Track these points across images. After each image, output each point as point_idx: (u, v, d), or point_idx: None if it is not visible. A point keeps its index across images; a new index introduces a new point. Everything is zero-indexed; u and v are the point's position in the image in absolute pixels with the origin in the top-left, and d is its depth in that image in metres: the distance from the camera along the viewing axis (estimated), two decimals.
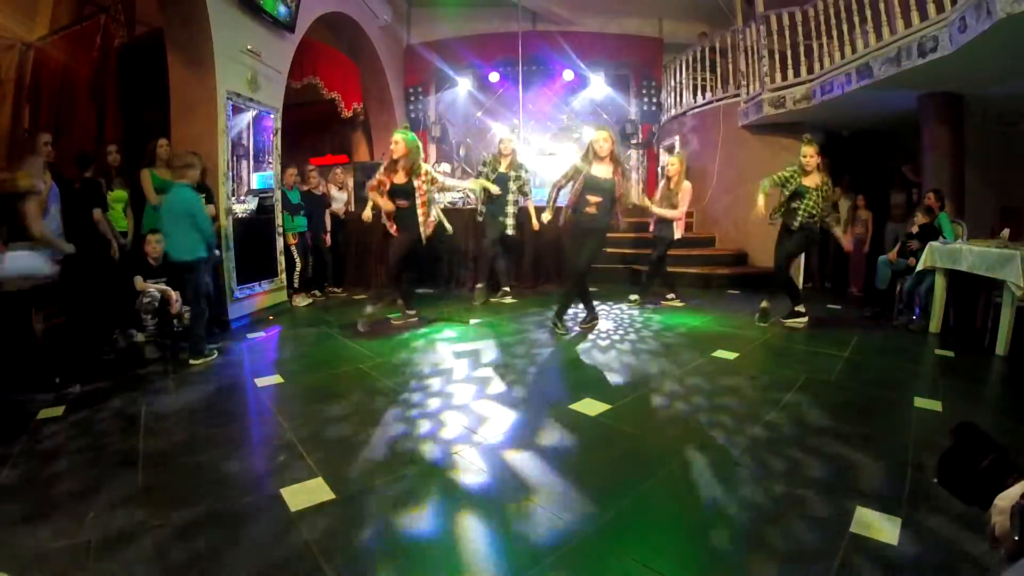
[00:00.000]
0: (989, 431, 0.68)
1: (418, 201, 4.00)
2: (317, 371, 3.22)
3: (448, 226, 4.78)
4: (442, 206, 6.57)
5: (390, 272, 4.14)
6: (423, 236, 4.05)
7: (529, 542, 1.55)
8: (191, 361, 3.34)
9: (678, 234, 4.98)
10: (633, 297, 5.13)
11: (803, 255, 4.61)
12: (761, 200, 4.11)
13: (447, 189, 4.04)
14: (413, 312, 4.36)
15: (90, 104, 4.68)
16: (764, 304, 4.30)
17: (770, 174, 4.19)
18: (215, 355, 3.47)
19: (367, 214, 4.25)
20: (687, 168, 5.04)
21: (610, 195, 3.84)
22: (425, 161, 4.28)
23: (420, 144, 4.14)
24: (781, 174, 4.13)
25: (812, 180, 4.06)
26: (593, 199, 3.83)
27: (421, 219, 4.02)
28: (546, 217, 4.20)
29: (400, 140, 3.96)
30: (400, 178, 4.02)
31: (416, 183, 3.99)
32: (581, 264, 3.97)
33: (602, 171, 3.86)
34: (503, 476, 1.92)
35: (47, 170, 3.50)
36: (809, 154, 4.03)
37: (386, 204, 4.02)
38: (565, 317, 4.12)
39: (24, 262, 2.79)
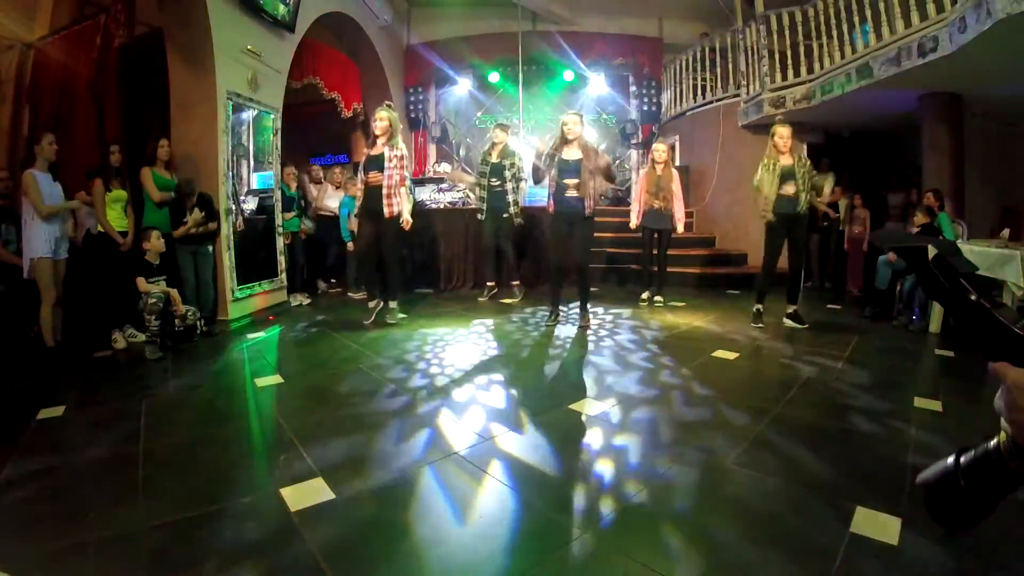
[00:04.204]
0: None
1: (385, 173, 4.02)
2: (317, 371, 3.22)
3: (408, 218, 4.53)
4: (442, 206, 6.58)
5: (387, 266, 4.23)
6: (384, 217, 4.01)
7: (529, 542, 1.55)
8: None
9: (680, 228, 4.98)
10: (645, 295, 5.13)
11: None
12: (764, 195, 4.07)
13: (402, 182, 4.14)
14: (375, 303, 4.31)
15: (90, 104, 4.67)
16: (791, 310, 4.26)
17: (756, 177, 4.13)
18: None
19: (352, 224, 4.30)
20: (686, 167, 5.05)
21: (586, 176, 3.95)
22: (424, 163, 4.33)
23: (400, 124, 4.23)
24: (763, 172, 4.08)
25: (788, 160, 4.06)
26: (570, 182, 3.95)
27: (386, 199, 4.01)
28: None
29: (384, 116, 4.08)
30: (376, 149, 4.10)
31: (388, 153, 4.04)
32: (585, 260, 4.15)
33: (572, 154, 3.97)
34: (502, 476, 1.92)
35: (50, 171, 3.52)
36: (785, 135, 4.03)
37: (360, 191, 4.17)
38: (589, 307, 4.29)
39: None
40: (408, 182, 4.19)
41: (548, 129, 10.94)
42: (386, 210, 4.02)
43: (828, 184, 6.34)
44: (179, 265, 3.99)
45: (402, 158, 4.08)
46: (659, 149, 5.01)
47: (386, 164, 4.03)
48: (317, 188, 6.14)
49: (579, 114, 4.06)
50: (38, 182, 3.41)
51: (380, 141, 4.10)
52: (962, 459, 0.60)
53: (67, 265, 3.66)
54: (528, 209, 5.77)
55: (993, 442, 0.60)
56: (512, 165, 5.13)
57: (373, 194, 4.08)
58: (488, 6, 8.55)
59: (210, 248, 4.24)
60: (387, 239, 4.12)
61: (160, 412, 2.56)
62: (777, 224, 4.10)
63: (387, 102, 4.39)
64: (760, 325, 4.17)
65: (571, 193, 3.94)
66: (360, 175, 4.20)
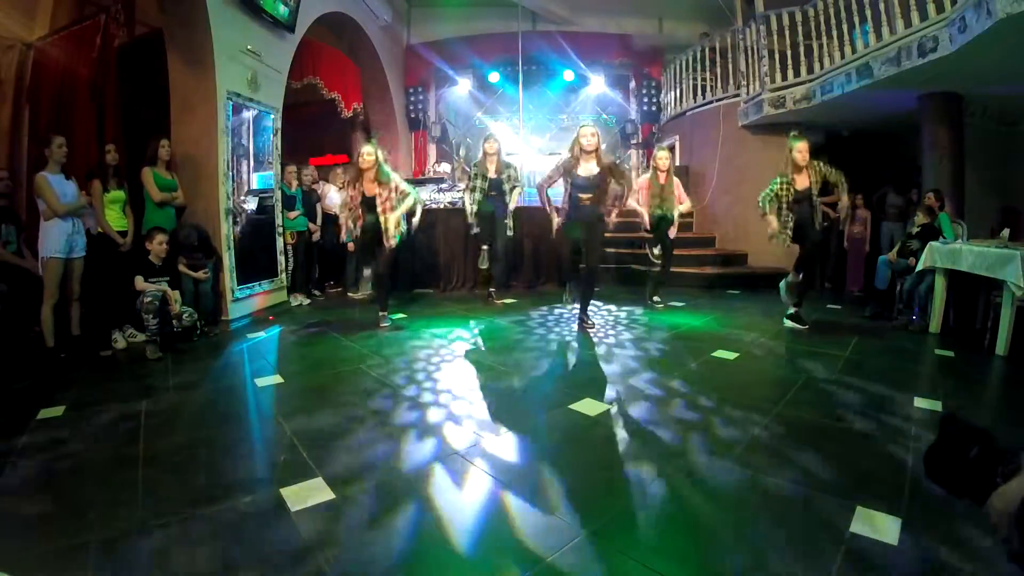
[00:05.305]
0: (982, 426, 0.65)
1: (379, 209, 4.04)
2: (317, 371, 3.22)
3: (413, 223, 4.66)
4: (442, 206, 6.58)
5: (380, 278, 4.30)
6: (386, 244, 4.08)
7: (529, 542, 1.55)
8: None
9: (673, 232, 4.97)
10: (657, 299, 5.11)
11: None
12: (773, 220, 4.01)
13: (403, 195, 4.17)
14: (385, 315, 4.33)
15: (90, 104, 4.66)
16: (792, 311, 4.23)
17: (765, 193, 4.08)
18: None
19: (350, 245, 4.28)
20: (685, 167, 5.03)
21: (600, 191, 3.91)
22: (424, 163, 4.33)
23: (387, 156, 4.25)
24: (772, 190, 4.03)
25: (804, 178, 3.98)
26: (584, 196, 3.91)
27: (383, 228, 4.05)
28: (556, 223, 4.14)
29: (371, 152, 4.02)
30: (369, 190, 4.06)
31: (379, 190, 4.04)
32: (597, 263, 4.12)
33: (588, 170, 3.90)
34: (503, 476, 1.92)
35: (61, 171, 3.53)
36: (803, 150, 3.95)
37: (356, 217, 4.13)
38: (589, 311, 4.24)
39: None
40: (410, 197, 4.20)
41: (548, 129, 10.97)
42: (386, 239, 4.07)
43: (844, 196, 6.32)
44: (179, 275, 3.97)
45: (394, 188, 4.10)
46: (662, 156, 4.88)
47: (378, 203, 4.04)
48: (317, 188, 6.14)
49: (596, 126, 3.99)
50: (50, 184, 3.43)
51: (368, 178, 4.04)
52: (983, 446, 0.63)
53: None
54: (531, 210, 5.75)
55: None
56: (509, 178, 5.09)
57: (375, 226, 4.09)
58: (488, 6, 8.56)
59: (209, 264, 4.23)
60: (384, 251, 4.12)
61: (160, 412, 2.56)
62: (796, 229, 4.07)
63: (371, 137, 4.42)
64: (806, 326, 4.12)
65: (585, 204, 3.92)
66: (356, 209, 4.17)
